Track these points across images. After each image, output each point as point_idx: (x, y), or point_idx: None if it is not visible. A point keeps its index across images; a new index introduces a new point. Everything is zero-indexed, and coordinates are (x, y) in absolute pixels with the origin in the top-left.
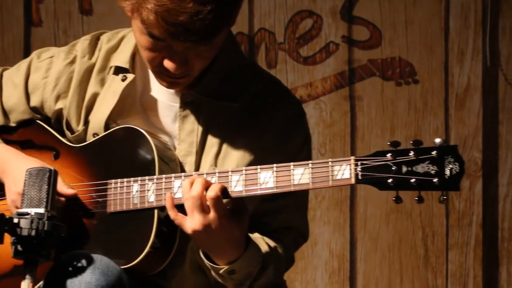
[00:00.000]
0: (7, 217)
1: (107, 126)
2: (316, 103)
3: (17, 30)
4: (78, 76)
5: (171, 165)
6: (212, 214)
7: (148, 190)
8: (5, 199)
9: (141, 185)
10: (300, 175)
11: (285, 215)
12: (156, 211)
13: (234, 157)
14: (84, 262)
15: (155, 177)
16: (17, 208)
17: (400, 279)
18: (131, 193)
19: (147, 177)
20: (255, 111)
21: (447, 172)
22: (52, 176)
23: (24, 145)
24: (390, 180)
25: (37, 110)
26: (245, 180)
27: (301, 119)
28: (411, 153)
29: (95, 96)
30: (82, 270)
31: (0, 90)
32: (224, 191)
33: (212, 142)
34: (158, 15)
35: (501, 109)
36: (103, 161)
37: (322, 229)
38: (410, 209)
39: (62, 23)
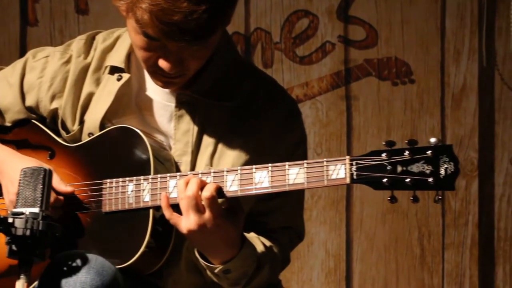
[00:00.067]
0: (2, 217)
1: (102, 126)
2: (312, 102)
3: (13, 30)
4: (74, 75)
5: (167, 164)
6: (207, 214)
7: (144, 190)
8: (2, 198)
9: (136, 184)
10: (295, 175)
11: (281, 214)
12: (151, 211)
13: (230, 156)
14: (79, 261)
15: (150, 176)
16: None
17: (396, 279)
18: (126, 192)
19: (142, 177)
20: (250, 111)
21: (442, 171)
22: (47, 176)
23: (20, 145)
24: (385, 180)
25: (33, 110)
26: (240, 179)
27: (296, 119)
28: (406, 153)
29: (90, 96)
30: (77, 269)
31: None
32: (219, 191)
33: (208, 141)
34: (153, 15)
35: (497, 109)
36: (99, 160)
37: (318, 229)
38: (406, 209)
39: (58, 22)
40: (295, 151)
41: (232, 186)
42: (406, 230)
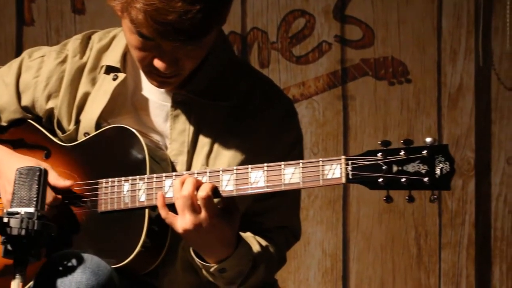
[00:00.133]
0: None
1: (98, 126)
2: (309, 102)
3: (9, 29)
4: (69, 75)
5: (162, 164)
6: (203, 214)
7: (139, 190)
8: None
9: (132, 184)
10: (290, 175)
11: (277, 214)
12: (147, 211)
13: (226, 156)
14: (74, 261)
15: (146, 176)
16: None
17: (393, 279)
18: (122, 192)
19: (138, 177)
20: (246, 111)
21: (438, 171)
22: (42, 175)
23: (16, 145)
24: (380, 180)
25: (28, 110)
26: (236, 179)
27: (292, 118)
28: (402, 153)
29: (86, 96)
30: (72, 269)
31: None
32: (215, 191)
33: (204, 141)
34: (147, 14)
35: (493, 108)
36: (94, 160)
37: (315, 229)
38: (403, 208)
39: (54, 22)
40: (292, 151)
41: (228, 185)
42: (402, 229)
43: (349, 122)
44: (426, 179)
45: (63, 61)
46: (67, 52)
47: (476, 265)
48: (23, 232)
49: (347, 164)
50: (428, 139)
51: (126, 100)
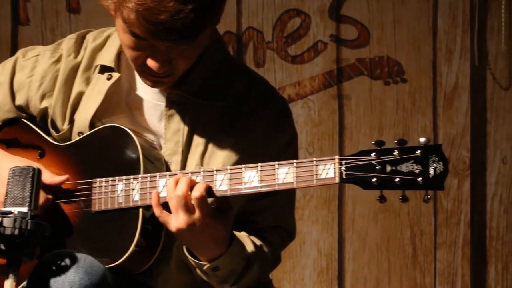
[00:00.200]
0: None
1: (92, 125)
2: (304, 102)
3: (4, 29)
4: (64, 75)
5: (157, 164)
6: (197, 214)
7: (133, 189)
8: None
9: (126, 184)
10: (284, 174)
11: (272, 214)
12: (141, 210)
13: (220, 156)
14: (68, 261)
15: (139, 176)
16: None
17: (388, 278)
18: (116, 192)
19: (132, 176)
20: (241, 111)
21: (431, 171)
22: (36, 175)
23: (10, 144)
24: (374, 180)
25: (22, 109)
26: (230, 179)
27: (287, 118)
28: (395, 153)
29: (80, 95)
30: (65, 269)
31: None
32: (209, 191)
33: (198, 141)
34: (139, 14)
35: (489, 108)
36: (88, 160)
37: (310, 228)
38: (398, 208)
39: (49, 21)
40: (286, 151)
41: (222, 185)
42: (398, 229)
43: (345, 121)
44: (419, 179)
45: (57, 60)
46: (61, 52)
47: (471, 265)
48: (16, 231)
49: (340, 164)
50: (422, 139)
51: (120, 100)
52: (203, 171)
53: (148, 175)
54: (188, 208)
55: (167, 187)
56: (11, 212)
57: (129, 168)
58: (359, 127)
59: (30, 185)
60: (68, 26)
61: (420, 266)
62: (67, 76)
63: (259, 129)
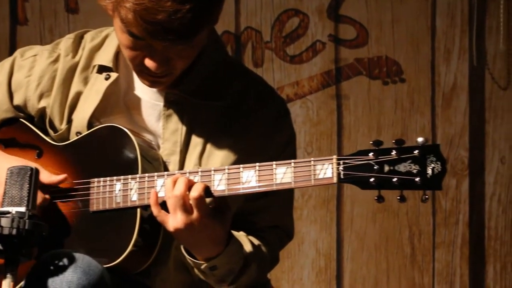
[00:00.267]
0: None
1: (90, 125)
2: (303, 102)
3: (2, 29)
4: (61, 74)
5: (155, 164)
6: (195, 214)
7: (131, 189)
8: None
9: (124, 184)
10: (282, 174)
11: (270, 214)
12: (139, 210)
13: (218, 156)
14: (65, 261)
15: (138, 176)
16: None
17: (387, 278)
18: (114, 192)
19: (130, 176)
20: (239, 110)
21: (429, 171)
22: (34, 175)
23: (8, 144)
24: (372, 180)
25: (20, 109)
26: (228, 179)
27: (285, 118)
28: (393, 152)
29: (78, 95)
30: (63, 269)
31: None
32: (207, 191)
33: (196, 141)
34: (137, 14)
35: (487, 108)
36: (86, 159)
37: (308, 228)
38: (397, 208)
39: (48, 21)
40: (284, 151)
41: (220, 185)
42: (396, 229)
43: (343, 121)
44: (417, 179)
45: (56, 60)
46: (59, 51)
47: (470, 265)
48: (14, 231)
49: (338, 164)
50: (420, 139)
51: (118, 100)
52: (201, 171)
53: (146, 175)
54: (186, 208)
55: (165, 187)
56: (9, 212)
57: (127, 168)
58: (357, 127)
59: (28, 185)
60: (67, 26)
61: (418, 266)
62: (65, 76)
63: (258, 129)
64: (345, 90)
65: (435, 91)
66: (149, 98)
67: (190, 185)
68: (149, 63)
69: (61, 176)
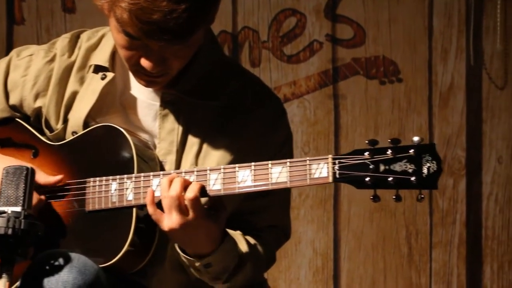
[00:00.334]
0: None
1: (86, 125)
2: (300, 101)
3: None
4: (58, 74)
5: (151, 164)
6: (190, 214)
7: (127, 189)
8: None
9: (119, 183)
10: (278, 174)
11: (268, 213)
12: (134, 210)
13: (215, 156)
14: (61, 260)
15: (133, 175)
16: None
17: (384, 278)
18: (109, 191)
19: (125, 176)
20: (236, 110)
21: (425, 170)
22: (29, 175)
23: (3, 143)
24: (367, 179)
25: (16, 108)
26: (224, 178)
27: (282, 118)
28: (389, 152)
29: (74, 95)
30: (59, 268)
31: None
32: (202, 191)
33: (193, 141)
34: (132, 14)
35: (484, 107)
36: (82, 159)
37: (306, 228)
38: (394, 207)
39: (44, 21)
40: (281, 150)
41: (215, 185)
42: (393, 229)
43: (340, 121)
44: (413, 178)
45: (52, 60)
46: (55, 51)
47: (467, 264)
48: (9, 231)
49: (334, 163)
50: (416, 138)
51: (114, 99)
52: (197, 171)
53: (142, 174)
54: (181, 208)
55: (161, 187)
56: (4, 212)
57: (123, 168)
58: (354, 126)
59: (23, 185)
60: (63, 25)
61: (415, 266)
62: (61, 75)
63: (254, 129)
64: (342, 89)
65: (432, 91)
66: (145, 98)
67: (185, 185)
68: (145, 63)
69: (57, 177)
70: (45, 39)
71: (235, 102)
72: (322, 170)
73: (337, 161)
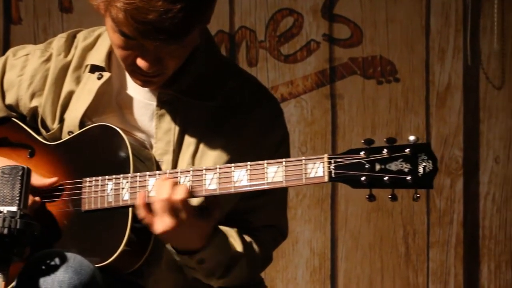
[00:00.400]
0: None
1: (82, 124)
2: (297, 101)
3: None
4: (54, 74)
5: (147, 163)
6: (181, 216)
7: (123, 189)
8: None
9: (115, 183)
10: (273, 173)
11: (265, 213)
12: (130, 209)
13: (211, 156)
14: (57, 260)
15: (129, 175)
16: None
17: (381, 278)
18: (105, 191)
19: (121, 175)
20: (232, 110)
21: (421, 169)
22: (25, 174)
23: None
24: (363, 178)
25: (13, 108)
26: (219, 178)
27: (278, 117)
28: (385, 151)
29: (70, 94)
30: (55, 268)
31: None
32: (192, 192)
33: (189, 141)
34: (127, 13)
35: (482, 107)
36: (78, 159)
37: (303, 228)
38: (391, 207)
39: (41, 21)
40: (278, 150)
41: (211, 184)
42: (391, 228)
43: (338, 121)
44: (409, 178)
45: (48, 59)
46: (51, 51)
47: (464, 264)
48: (5, 231)
49: (329, 163)
50: (411, 138)
51: (110, 99)
52: (193, 170)
53: (138, 174)
54: (172, 211)
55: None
56: (0, 211)
57: (119, 167)
58: (352, 126)
59: (19, 185)
60: (60, 25)
61: (413, 265)
62: (57, 75)
63: (251, 129)
64: (339, 89)
65: (429, 91)
66: (141, 97)
67: (175, 188)
68: (141, 62)
69: (51, 180)
70: (42, 38)
71: (232, 102)
72: (318, 169)
73: (332, 161)
